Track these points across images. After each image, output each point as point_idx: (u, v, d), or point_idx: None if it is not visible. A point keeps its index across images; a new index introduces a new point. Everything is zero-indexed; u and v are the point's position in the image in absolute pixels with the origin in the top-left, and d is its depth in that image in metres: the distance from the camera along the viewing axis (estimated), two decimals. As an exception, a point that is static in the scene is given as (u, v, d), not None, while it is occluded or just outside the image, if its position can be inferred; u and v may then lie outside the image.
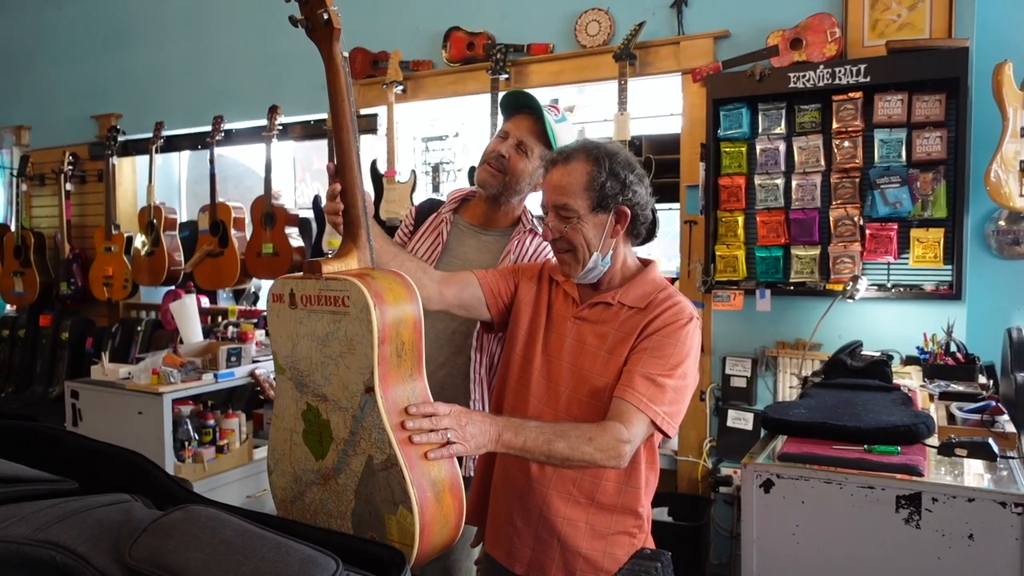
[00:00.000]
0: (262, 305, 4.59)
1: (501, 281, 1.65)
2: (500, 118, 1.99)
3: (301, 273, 1.25)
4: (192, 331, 3.72)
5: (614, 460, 1.36)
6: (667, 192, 3.26)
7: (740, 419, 3.14)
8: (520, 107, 1.85)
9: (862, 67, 2.80)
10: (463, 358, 1.84)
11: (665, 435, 1.46)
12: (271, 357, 1.36)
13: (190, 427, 3.21)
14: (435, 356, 1.81)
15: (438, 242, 1.89)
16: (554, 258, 1.59)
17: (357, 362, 1.14)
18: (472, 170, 2.95)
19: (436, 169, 4.12)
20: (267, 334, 1.29)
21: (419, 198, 3.49)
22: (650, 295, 1.52)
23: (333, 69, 1.26)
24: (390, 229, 2.21)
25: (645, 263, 1.61)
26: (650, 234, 1.60)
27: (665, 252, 3.67)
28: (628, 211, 1.50)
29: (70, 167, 4.87)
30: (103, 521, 0.80)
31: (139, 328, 4.56)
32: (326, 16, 1.23)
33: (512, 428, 1.29)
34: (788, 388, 3.03)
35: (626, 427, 1.37)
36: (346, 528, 1.18)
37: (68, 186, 4.88)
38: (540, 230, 1.89)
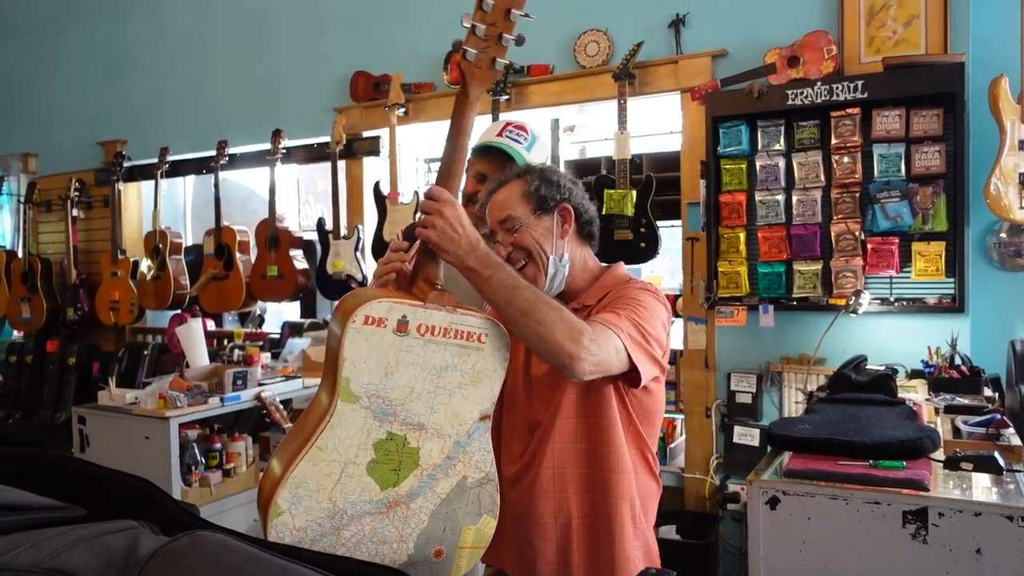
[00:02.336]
0: (267, 328, 4.60)
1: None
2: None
3: (416, 300, 1.20)
4: (198, 355, 3.73)
5: (572, 343, 1.26)
6: (668, 209, 3.28)
7: (746, 435, 3.13)
8: (490, 147, 1.86)
9: (859, 83, 2.82)
10: None
11: (634, 372, 1.37)
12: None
13: (197, 451, 3.21)
14: None
15: None
16: None
17: (479, 393, 1.23)
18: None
19: (439, 190, 4.14)
20: (337, 358, 1.17)
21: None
22: (609, 287, 1.53)
23: (468, 107, 1.30)
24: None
25: (610, 266, 1.61)
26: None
27: (668, 269, 3.69)
28: (571, 208, 1.52)
29: (76, 193, 4.93)
30: (111, 548, 0.81)
31: (145, 352, 4.58)
32: (499, 63, 1.27)
33: (489, 255, 1.30)
34: (794, 403, 3.03)
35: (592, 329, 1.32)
36: (404, 550, 1.20)
37: (74, 212, 4.93)
38: None
